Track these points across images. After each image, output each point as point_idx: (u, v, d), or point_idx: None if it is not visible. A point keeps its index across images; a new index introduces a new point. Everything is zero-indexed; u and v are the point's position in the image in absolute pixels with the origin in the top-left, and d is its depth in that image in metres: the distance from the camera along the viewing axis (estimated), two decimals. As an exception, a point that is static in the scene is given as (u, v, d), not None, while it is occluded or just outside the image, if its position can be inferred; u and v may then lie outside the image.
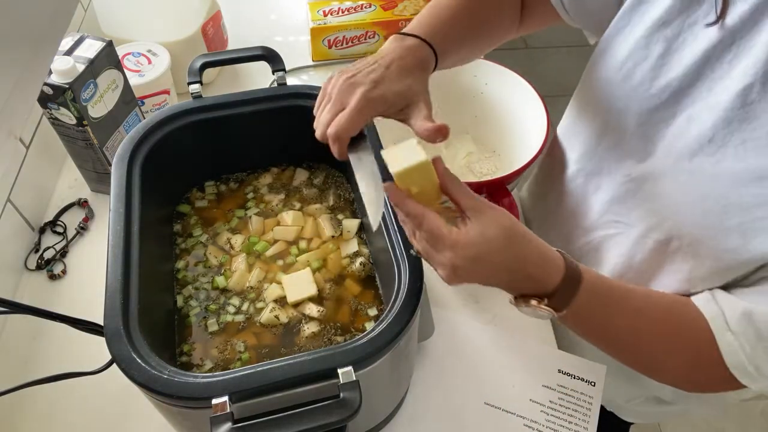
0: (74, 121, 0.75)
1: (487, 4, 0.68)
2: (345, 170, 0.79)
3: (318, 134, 0.56)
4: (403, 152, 0.49)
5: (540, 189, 0.85)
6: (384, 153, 0.50)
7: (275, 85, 0.72)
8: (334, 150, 0.54)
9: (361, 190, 0.53)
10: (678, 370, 0.58)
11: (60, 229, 0.84)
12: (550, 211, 0.80)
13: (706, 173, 0.53)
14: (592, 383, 0.71)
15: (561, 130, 0.77)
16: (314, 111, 0.58)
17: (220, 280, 0.68)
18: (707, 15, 0.52)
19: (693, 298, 0.56)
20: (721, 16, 0.50)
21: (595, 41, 0.72)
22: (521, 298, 0.52)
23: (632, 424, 0.94)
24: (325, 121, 0.54)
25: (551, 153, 0.79)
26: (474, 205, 0.50)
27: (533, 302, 0.51)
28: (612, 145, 0.63)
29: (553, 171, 0.77)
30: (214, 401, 0.46)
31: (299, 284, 0.67)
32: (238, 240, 0.72)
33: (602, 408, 0.71)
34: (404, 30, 0.61)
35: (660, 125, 0.57)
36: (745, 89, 0.49)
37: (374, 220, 0.51)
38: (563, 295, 0.51)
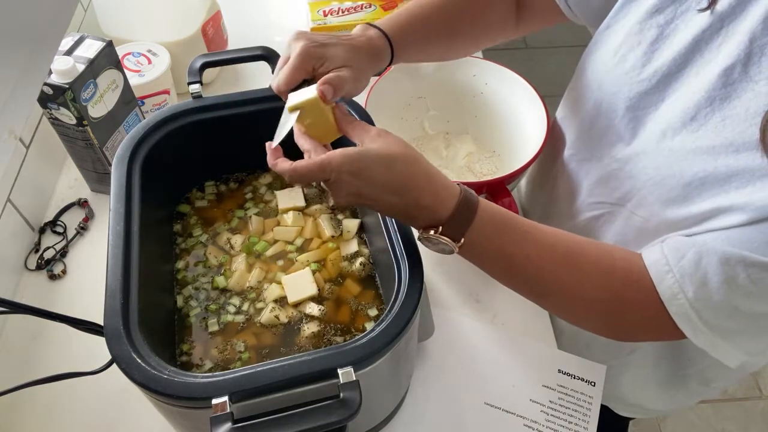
0: (74, 121, 0.75)
1: (472, 5, 0.70)
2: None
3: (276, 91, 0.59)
4: (302, 93, 0.55)
5: (537, 175, 0.86)
6: (289, 95, 0.56)
7: (275, 85, 0.72)
8: (279, 90, 0.58)
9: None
10: (595, 309, 0.57)
11: (60, 229, 0.84)
12: (545, 197, 0.80)
13: (686, 149, 0.53)
14: (592, 383, 0.71)
15: (557, 117, 0.78)
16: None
17: (220, 280, 0.68)
18: (699, 2, 0.53)
19: (643, 248, 0.56)
20: (713, 2, 0.52)
21: None
22: (422, 231, 0.53)
23: (630, 419, 0.94)
24: (274, 76, 0.58)
25: (548, 142, 0.79)
26: (368, 135, 0.52)
27: (431, 232, 0.52)
28: (603, 129, 0.64)
29: (550, 157, 0.78)
30: (214, 401, 0.46)
31: (299, 284, 0.67)
32: (238, 240, 0.72)
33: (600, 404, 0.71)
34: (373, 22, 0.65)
35: (649, 109, 0.58)
36: (727, 69, 0.50)
37: (277, 136, 0.57)
38: (458, 222, 0.51)
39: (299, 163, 0.52)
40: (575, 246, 0.56)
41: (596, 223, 0.68)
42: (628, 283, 0.54)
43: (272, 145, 0.55)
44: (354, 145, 0.53)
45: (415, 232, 0.56)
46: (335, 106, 0.56)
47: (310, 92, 0.55)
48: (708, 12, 0.52)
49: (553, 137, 0.76)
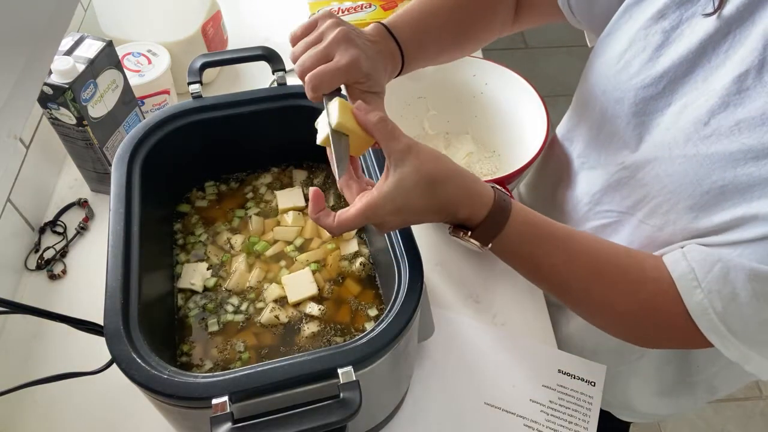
0: (74, 121, 0.75)
1: (479, 7, 0.70)
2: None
3: (297, 72, 0.57)
4: (334, 106, 0.53)
5: (539, 182, 0.85)
6: (320, 119, 0.54)
7: (275, 85, 0.72)
8: (309, 93, 0.55)
9: (332, 145, 0.54)
10: (620, 318, 0.57)
11: (60, 229, 0.84)
12: (548, 203, 0.80)
13: (701, 155, 0.53)
14: (592, 383, 0.71)
15: (563, 127, 0.77)
16: (294, 39, 0.59)
17: (210, 282, 0.68)
18: (705, 7, 0.53)
19: (664, 256, 0.55)
20: (719, 7, 0.51)
21: (594, 44, 0.72)
22: (453, 229, 0.55)
23: (630, 423, 0.94)
24: (309, 65, 0.55)
25: (551, 149, 0.79)
26: (397, 150, 0.50)
27: (461, 234, 0.54)
28: (609, 136, 0.64)
29: (555, 164, 0.77)
30: (214, 401, 0.46)
31: (300, 284, 0.67)
32: (238, 240, 0.72)
33: (600, 409, 0.71)
34: (387, 24, 0.64)
35: (655, 114, 0.58)
36: (741, 76, 0.50)
37: (338, 173, 0.54)
38: (487, 230, 0.54)
39: (341, 217, 0.52)
40: (606, 256, 0.56)
41: (603, 232, 0.68)
42: (657, 294, 0.53)
43: (339, 180, 0.54)
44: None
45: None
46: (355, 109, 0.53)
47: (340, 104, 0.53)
48: (714, 17, 0.52)
49: (559, 146, 0.75)
